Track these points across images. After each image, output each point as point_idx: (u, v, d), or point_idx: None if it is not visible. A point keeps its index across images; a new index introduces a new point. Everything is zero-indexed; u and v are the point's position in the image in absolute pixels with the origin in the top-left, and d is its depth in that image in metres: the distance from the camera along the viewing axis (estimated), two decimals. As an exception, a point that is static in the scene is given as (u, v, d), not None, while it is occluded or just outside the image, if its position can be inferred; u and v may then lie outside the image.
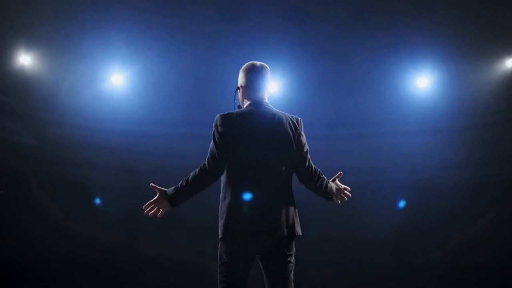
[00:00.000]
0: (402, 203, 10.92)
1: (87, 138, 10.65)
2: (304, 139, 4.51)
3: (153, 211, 4.56)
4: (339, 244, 10.45)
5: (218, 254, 4.43)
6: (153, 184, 4.62)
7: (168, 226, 10.17)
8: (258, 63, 4.66)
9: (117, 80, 10.60)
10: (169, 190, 4.53)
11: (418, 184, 10.70)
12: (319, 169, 4.59)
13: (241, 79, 4.63)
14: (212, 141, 4.43)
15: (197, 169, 4.43)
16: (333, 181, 4.78)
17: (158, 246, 10.50)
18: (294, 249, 4.44)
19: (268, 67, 4.66)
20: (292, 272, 4.42)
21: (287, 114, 4.55)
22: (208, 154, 4.42)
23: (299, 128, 4.49)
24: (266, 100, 4.62)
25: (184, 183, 4.45)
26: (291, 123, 4.47)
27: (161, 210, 4.57)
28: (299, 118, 4.54)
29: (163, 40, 10.11)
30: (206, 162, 4.41)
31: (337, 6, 10.14)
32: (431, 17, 10.01)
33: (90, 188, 10.78)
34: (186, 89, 10.47)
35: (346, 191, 4.80)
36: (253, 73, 4.60)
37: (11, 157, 10.45)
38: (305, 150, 4.49)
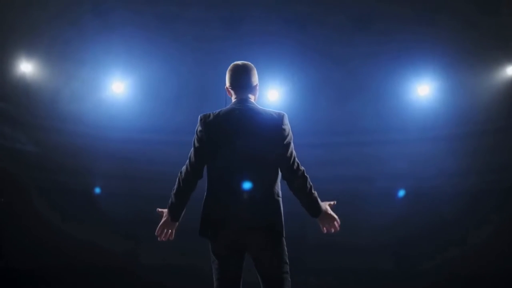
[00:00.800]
0: (401, 193, 10.92)
1: (88, 146, 10.65)
2: (286, 132, 4.44)
3: (163, 233, 4.67)
4: (339, 251, 10.40)
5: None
6: (159, 209, 4.74)
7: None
8: (241, 62, 4.68)
9: (118, 88, 10.61)
10: (167, 208, 4.65)
11: (419, 191, 10.67)
12: (304, 169, 4.48)
13: (226, 80, 4.67)
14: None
15: (178, 177, 4.54)
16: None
17: (159, 253, 10.48)
18: (283, 248, 4.40)
19: (251, 66, 4.67)
20: (286, 273, 4.39)
21: (270, 110, 4.56)
22: (188, 157, 4.53)
23: (280, 122, 4.44)
24: (252, 99, 4.63)
25: (173, 196, 4.59)
26: (271, 118, 4.46)
27: (170, 230, 4.68)
28: (281, 113, 4.51)
29: (164, 45, 10.12)
30: (184, 166, 4.53)
31: (337, 11, 10.15)
32: (432, 24, 10.02)
33: (90, 196, 10.77)
34: (187, 95, 10.47)
35: (335, 223, 4.63)
36: (235, 73, 4.64)
37: (11, 164, 10.46)
38: (285, 142, 4.42)
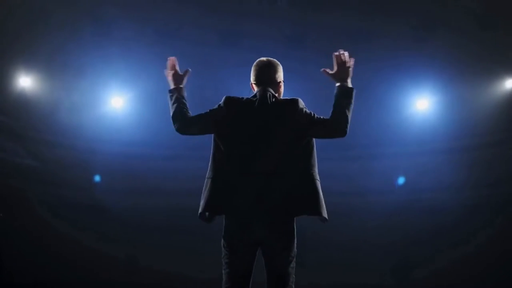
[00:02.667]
0: (401, 180, 10.93)
1: (88, 160, 10.66)
2: (304, 113, 4.48)
3: (172, 66, 4.91)
4: (338, 267, 10.42)
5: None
6: (187, 71, 4.94)
7: (173, 246, 10.19)
8: (266, 58, 4.73)
9: (117, 103, 10.62)
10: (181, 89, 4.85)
11: (417, 205, 10.68)
12: (327, 117, 4.53)
13: (251, 75, 4.72)
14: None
15: (189, 113, 4.66)
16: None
17: (161, 267, 10.49)
18: (293, 243, 4.42)
19: (276, 62, 4.71)
20: (292, 268, 4.41)
21: (286, 99, 4.60)
22: (200, 113, 4.60)
23: (296, 106, 4.49)
24: (274, 92, 4.61)
25: (182, 103, 4.76)
26: (287, 106, 4.50)
27: (172, 74, 4.90)
28: (295, 98, 4.54)
29: (163, 60, 10.10)
30: (193, 116, 4.63)
31: (336, 27, 10.18)
32: (431, 38, 10.07)
33: (91, 209, 10.74)
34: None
35: (341, 59, 4.60)
36: (258, 68, 4.68)
37: (11, 178, 10.45)
38: (310, 123, 4.48)
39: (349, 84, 4.56)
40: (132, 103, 10.64)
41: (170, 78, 4.89)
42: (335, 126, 4.49)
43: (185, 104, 4.75)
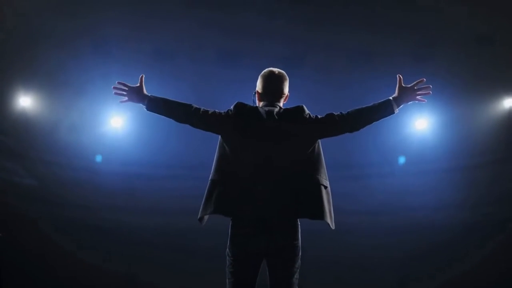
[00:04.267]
0: (401, 160, 10.89)
1: (88, 179, 10.65)
2: (309, 117, 4.53)
3: (120, 91, 4.76)
4: (337, 285, 10.42)
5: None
6: (142, 77, 4.79)
7: (172, 263, 10.17)
8: (276, 70, 4.76)
9: (116, 123, 10.61)
10: (150, 96, 4.69)
11: (416, 223, 10.66)
12: (345, 113, 4.62)
13: (257, 85, 4.75)
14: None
15: (191, 105, 4.62)
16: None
17: (161, 283, 10.47)
18: (294, 250, 4.42)
19: (285, 75, 4.77)
20: (296, 278, 4.42)
21: (291, 107, 4.62)
22: (209, 109, 4.57)
23: (302, 113, 4.54)
24: (281, 105, 4.66)
25: (169, 99, 4.68)
26: (294, 114, 4.54)
27: (127, 98, 4.75)
28: (299, 106, 4.60)
29: (162, 80, 10.14)
30: (201, 108, 4.59)
31: (335, 46, 10.21)
32: (430, 57, 10.09)
33: (91, 228, 10.72)
34: (188, 128, 10.48)
35: (419, 86, 4.67)
36: (269, 79, 4.71)
37: (11, 198, 10.44)
38: (318, 122, 4.52)
39: (397, 109, 4.69)
40: (132, 123, 10.64)
41: (134, 98, 4.83)
42: (352, 120, 4.61)
43: (170, 101, 4.74)
